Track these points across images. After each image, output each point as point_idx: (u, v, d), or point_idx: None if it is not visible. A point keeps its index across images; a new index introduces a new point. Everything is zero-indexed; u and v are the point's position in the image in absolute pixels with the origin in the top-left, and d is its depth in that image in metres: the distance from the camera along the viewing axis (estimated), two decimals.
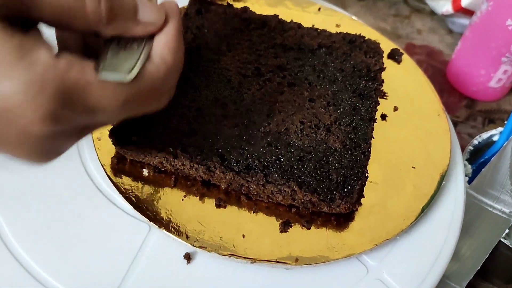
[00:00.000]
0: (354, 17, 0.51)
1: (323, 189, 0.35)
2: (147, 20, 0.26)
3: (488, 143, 0.49)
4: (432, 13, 0.70)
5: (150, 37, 0.27)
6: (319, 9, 0.52)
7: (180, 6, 0.47)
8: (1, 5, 0.22)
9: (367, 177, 0.37)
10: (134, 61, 0.25)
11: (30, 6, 0.23)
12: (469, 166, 0.46)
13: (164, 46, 0.26)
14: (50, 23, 0.24)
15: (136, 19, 0.26)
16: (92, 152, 0.37)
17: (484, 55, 0.56)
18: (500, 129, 0.49)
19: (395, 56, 0.48)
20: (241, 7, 0.47)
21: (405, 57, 0.48)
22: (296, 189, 0.34)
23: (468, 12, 0.64)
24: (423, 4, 0.71)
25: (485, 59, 0.56)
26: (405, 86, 0.45)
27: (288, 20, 0.47)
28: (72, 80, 0.23)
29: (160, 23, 0.27)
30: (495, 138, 0.49)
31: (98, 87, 0.23)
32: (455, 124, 0.56)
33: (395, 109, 0.43)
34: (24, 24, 0.24)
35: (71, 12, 0.24)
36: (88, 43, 0.29)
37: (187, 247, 0.33)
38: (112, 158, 0.37)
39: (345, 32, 0.47)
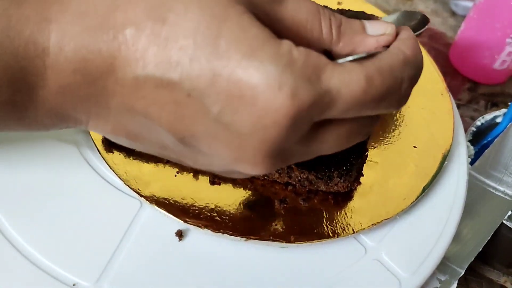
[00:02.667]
0: None
1: (321, 167, 0.34)
2: (377, 33, 0.25)
3: (491, 125, 0.48)
4: None
5: None
6: None
7: None
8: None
9: (367, 155, 0.36)
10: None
11: (271, 13, 0.23)
12: (472, 147, 0.45)
13: (401, 42, 0.25)
14: (285, 34, 0.24)
15: (365, 33, 0.25)
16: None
17: (488, 36, 0.54)
18: (503, 110, 0.48)
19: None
20: None
21: None
22: (292, 166, 0.33)
23: None
24: None
25: (489, 40, 0.55)
26: None
27: None
28: (313, 63, 0.21)
29: (392, 32, 0.25)
30: (499, 120, 0.48)
31: (339, 69, 0.22)
32: (458, 107, 0.55)
33: None
34: None
35: (308, 28, 0.24)
36: None
37: (179, 224, 0.32)
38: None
39: (347, 9, 0.45)
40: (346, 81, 0.22)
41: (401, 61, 0.24)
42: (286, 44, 0.21)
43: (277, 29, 0.23)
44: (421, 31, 0.31)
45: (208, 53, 0.21)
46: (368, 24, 0.26)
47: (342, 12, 0.45)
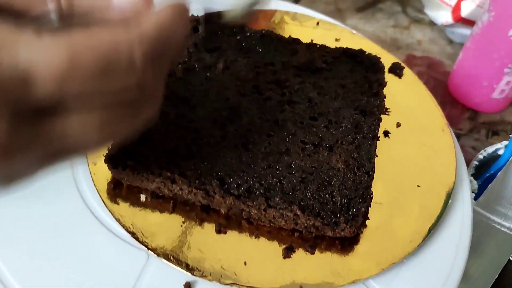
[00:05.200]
0: (353, 31, 0.50)
1: (327, 213, 0.34)
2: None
3: (494, 157, 0.48)
4: (432, 23, 0.69)
5: None
6: (318, 23, 0.51)
7: None
8: None
9: (372, 198, 0.36)
10: None
11: None
12: (475, 181, 0.45)
13: (149, 15, 0.22)
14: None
15: None
16: (88, 178, 0.36)
17: (486, 66, 0.55)
18: (505, 142, 0.48)
19: (396, 70, 0.47)
20: (239, 24, 0.46)
21: (407, 70, 0.47)
22: (298, 213, 0.33)
23: (468, 22, 0.63)
24: (422, 15, 0.70)
25: (487, 70, 0.55)
26: (407, 101, 0.44)
27: (287, 36, 0.46)
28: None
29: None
30: (500, 152, 0.48)
31: (36, 43, 0.19)
32: (458, 136, 0.55)
33: (398, 125, 0.42)
34: None
35: None
36: None
37: (187, 276, 0.32)
38: (108, 183, 0.36)
39: (345, 46, 0.46)
40: (43, 56, 0.19)
41: (130, 35, 0.21)
42: None
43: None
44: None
45: None
46: None
47: (342, 50, 0.45)
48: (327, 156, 0.37)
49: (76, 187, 0.36)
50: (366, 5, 0.71)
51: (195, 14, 0.46)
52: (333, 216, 0.34)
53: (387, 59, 0.47)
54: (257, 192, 0.34)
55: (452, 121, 0.57)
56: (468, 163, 0.47)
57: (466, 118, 0.58)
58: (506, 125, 0.57)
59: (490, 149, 0.48)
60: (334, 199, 0.35)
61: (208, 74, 0.42)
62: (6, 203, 0.35)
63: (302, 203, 0.34)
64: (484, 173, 0.47)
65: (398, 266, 0.35)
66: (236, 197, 0.34)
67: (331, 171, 0.36)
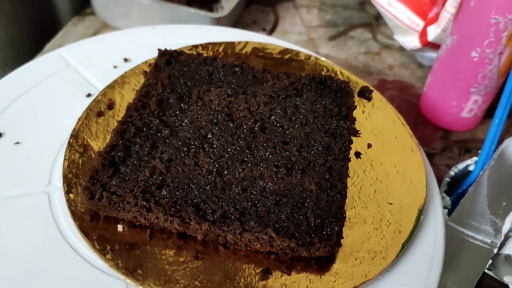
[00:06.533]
0: (322, 58, 0.52)
1: (301, 234, 0.34)
2: None
3: (465, 173, 0.49)
4: (401, 48, 0.71)
5: None
6: (288, 52, 0.53)
7: (150, 57, 0.48)
8: None
9: (345, 217, 0.37)
10: None
11: None
12: (448, 198, 0.46)
13: None
14: None
15: None
16: (64, 209, 0.37)
17: (453, 87, 0.57)
18: (475, 158, 0.49)
19: (365, 93, 0.48)
20: (211, 56, 0.48)
21: (376, 93, 0.48)
22: (273, 235, 0.34)
23: (435, 46, 0.65)
24: (391, 41, 0.72)
25: (455, 90, 0.57)
26: (377, 123, 0.46)
27: (258, 66, 0.48)
28: None
29: None
30: (471, 168, 0.49)
31: None
32: (432, 156, 0.57)
33: (369, 146, 0.44)
34: None
35: None
36: None
37: None
38: (85, 215, 0.36)
39: (314, 73, 0.47)
40: None
41: None
42: None
43: None
44: None
45: None
46: None
47: (312, 76, 0.47)
48: (300, 178, 0.38)
49: (53, 219, 0.37)
50: (337, 34, 0.73)
51: (168, 48, 0.47)
52: (307, 236, 0.34)
53: (357, 84, 0.49)
54: (232, 217, 0.35)
55: (425, 140, 0.59)
56: (441, 181, 0.48)
57: (439, 138, 0.59)
58: (477, 143, 0.59)
59: (461, 166, 0.49)
60: (308, 220, 0.35)
61: (182, 105, 0.43)
62: None
63: (276, 225, 0.35)
64: (456, 189, 0.49)
65: (375, 282, 0.35)
66: (212, 222, 0.34)
67: (304, 193, 0.37)
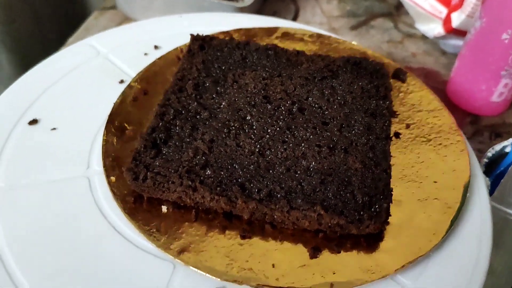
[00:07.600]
0: (354, 42, 0.52)
1: (350, 211, 0.34)
2: None
3: (502, 155, 0.49)
4: (424, 36, 0.71)
5: None
6: (319, 36, 0.52)
7: (183, 43, 0.47)
8: None
9: (392, 195, 0.37)
10: None
11: None
12: (487, 178, 0.45)
13: None
14: None
15: None
16: (106, 193, 0.36)
17: (483, 71, 0.56)
18: (511, 140, 0.49)
19: (399, 75, 0.48)
20: (243, 40, 0.47)
21: (410, 75, 0.48)
22: (322, 213, 0.33)
23: (459, 33, 0.65)
24: (413, 29, 0.72)
25: (484, 74, 0.56)
26: (413, 103, 0.45)
27: (290, 49, 0.47)
28: None
29: None
30: (508, 149, 0.49)
31: None
32: None
33: (407, 126, 0.43)
34: None
35: None
36: None
37: (216, 282, 0.32)
38: (127, 198, 0.36)
39: (348, 55, 0.47)
40: None
41: None
42: None
43: None
44: None
45: None
46: None
47: (346, 58, 0.46)
48: (343, 157, 0.37)
49: (94, 202, 0.36)
50: (359, 24, 0.73)
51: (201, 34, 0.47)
52: (356, 213, 0.34)
53: (389, 66, 0.48)
54: (279, 195, 0.34)
55: None
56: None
57: (468, 123, 0.59)
58: (508, 127, 0.58)
59: (497, 147, 0.48)
60: (355, 197, 0.35)
61: (218, 88, 0.42)
62: (28, 223, 0.35)
63: (324, 203, 0.34)
64: (494, 171, 0.48)
65: (425, 260, 0.35)
66: (258, 201, 0.34)
67: (349, 171, 0.36)
